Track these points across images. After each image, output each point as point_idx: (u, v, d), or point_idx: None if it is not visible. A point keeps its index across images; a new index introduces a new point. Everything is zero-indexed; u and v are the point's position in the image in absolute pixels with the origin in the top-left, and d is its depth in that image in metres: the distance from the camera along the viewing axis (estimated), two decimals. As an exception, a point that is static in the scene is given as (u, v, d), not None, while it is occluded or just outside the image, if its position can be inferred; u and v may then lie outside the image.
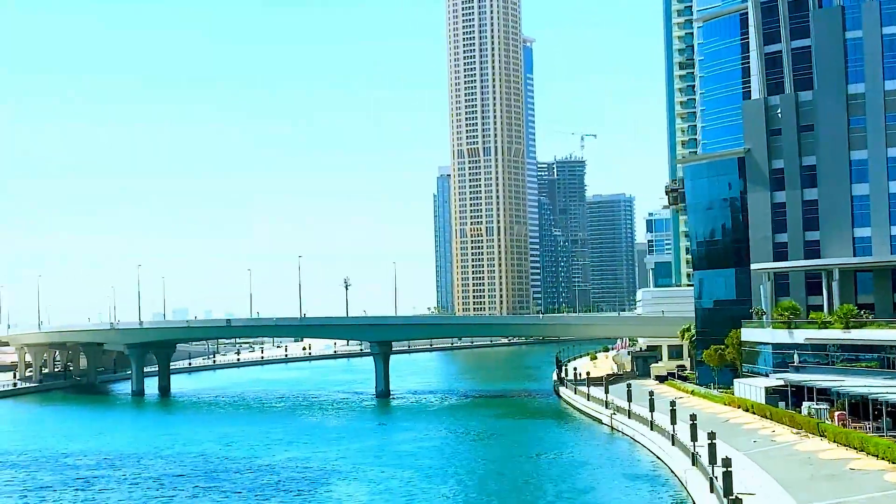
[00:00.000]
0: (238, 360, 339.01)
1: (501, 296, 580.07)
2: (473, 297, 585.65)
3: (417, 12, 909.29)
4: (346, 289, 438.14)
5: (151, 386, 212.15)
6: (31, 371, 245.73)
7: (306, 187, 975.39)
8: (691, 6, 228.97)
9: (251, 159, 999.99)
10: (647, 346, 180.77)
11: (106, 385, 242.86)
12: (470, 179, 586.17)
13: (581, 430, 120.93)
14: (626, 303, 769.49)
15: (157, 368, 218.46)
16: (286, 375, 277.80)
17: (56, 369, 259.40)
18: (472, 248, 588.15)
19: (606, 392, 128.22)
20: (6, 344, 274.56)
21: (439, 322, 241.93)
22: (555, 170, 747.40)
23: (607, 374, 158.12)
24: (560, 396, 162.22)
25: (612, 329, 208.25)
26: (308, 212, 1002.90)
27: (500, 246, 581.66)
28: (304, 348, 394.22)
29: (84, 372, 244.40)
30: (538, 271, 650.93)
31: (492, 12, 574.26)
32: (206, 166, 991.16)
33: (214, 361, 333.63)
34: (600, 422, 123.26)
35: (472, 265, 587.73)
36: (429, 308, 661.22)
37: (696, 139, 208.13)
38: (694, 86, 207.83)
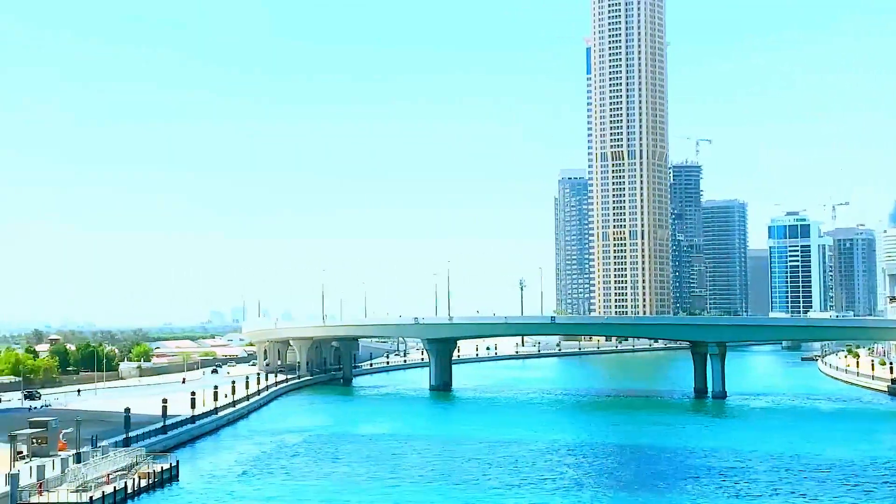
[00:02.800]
0: (421, 360, 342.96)
1: (644, 298, 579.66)
2: (616, 299, 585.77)
3: (560, 18, 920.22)
4: (522, 290, 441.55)
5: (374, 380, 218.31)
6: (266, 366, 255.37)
7: (428, 188, 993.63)
8: None
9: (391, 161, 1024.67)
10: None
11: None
12: (613, 183, 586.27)
13: None
14: (739, 309, 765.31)
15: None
16: (514, 374, 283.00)
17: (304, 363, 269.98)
18: (614, 251, 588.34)
19: None
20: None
21: (782, 324, 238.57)
22: (671, 174, 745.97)
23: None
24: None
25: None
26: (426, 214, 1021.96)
27: (643, 249, 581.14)
28: (487, 348, 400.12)
29: (328, 366, 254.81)
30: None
31: (639, 15, 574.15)
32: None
33: (404, 360, 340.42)
34: None
35: (615, 268, 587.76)
36: (555, 311, 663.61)
37: None
38: None
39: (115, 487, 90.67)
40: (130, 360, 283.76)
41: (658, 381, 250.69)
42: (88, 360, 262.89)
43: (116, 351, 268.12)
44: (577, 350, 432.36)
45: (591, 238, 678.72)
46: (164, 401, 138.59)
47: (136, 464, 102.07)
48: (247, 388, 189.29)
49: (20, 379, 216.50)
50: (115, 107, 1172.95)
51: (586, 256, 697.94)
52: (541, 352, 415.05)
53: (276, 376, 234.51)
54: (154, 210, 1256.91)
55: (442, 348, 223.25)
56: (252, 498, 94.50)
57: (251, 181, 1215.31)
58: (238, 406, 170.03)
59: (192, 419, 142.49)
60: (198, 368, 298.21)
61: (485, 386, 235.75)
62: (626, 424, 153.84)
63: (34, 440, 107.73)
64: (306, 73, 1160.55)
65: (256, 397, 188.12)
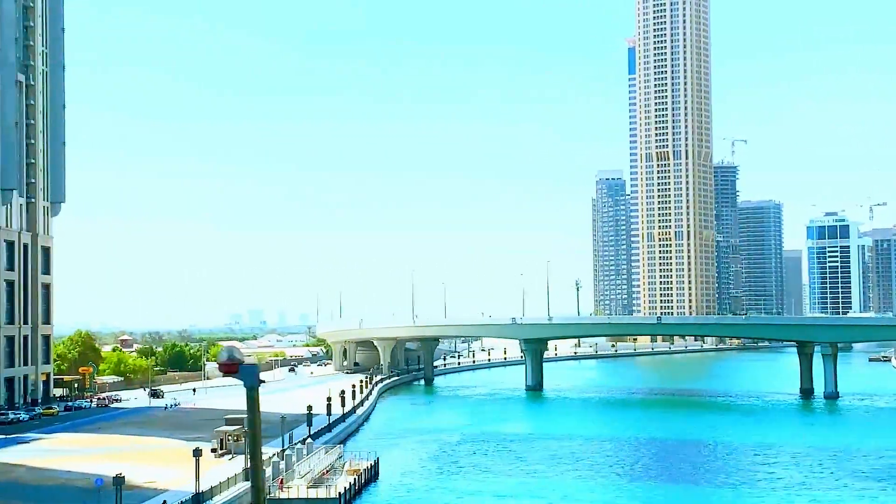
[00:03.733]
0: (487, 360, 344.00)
1: (690, 299, 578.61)
2: (662, 300, 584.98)
3: (598, 19, 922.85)
4: (578, 290, 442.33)
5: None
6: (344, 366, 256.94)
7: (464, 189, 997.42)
8: None
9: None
10: None
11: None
12: (658, 183, 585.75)
13: None
14: (773, 310, 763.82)
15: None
16: (587, 375, 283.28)
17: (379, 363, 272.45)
18: (659, 252, 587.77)
19: None
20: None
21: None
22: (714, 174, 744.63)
23: None
24: None
25: None
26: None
27: (688, 250, 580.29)
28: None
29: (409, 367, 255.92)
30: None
31: (684, 14, 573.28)
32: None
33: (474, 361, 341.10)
34: None
35: (660, 269, 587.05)
36: (592, 312, 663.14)
37: None
38: None
39: (348, 483, 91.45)
40: (208, 360, 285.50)
41: (747, 381, 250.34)
42: (175, 360, 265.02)
43: (202, 350, 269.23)
44: (632, 351, 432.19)
45: (629, 238, 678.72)
46: (329, 399, 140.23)
47: (339, 460, 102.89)
48: (362, 390, 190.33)
49: (121, 378, 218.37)
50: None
51: (622, 257, 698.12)
52: (597, 353, 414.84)
53: (371, 378, 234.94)
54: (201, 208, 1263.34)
55: (537, 348, 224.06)
56: (466, 492, 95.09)
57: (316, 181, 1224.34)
58: (365, 405, 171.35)
59: (343, 418, 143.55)
60: (272, 369, 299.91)
61: (575, 387, 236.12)
62: (761, 425, 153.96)
63: (231, 437, 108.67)
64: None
65: (371, 398, 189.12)
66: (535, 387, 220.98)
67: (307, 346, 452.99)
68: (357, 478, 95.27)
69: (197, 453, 77.88)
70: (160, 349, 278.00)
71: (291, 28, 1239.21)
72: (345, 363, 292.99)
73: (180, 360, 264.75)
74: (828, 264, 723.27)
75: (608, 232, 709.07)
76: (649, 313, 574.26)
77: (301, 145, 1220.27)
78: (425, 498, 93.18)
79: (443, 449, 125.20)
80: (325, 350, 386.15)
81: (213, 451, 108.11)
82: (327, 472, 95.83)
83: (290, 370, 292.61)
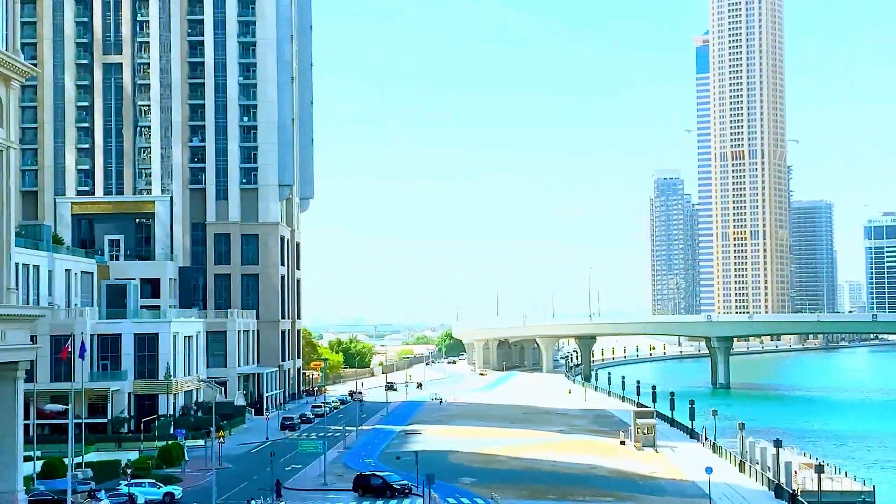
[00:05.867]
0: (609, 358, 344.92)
1: (766, 297, 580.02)
2: (736, 299, 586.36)
3: (661, 17, 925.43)
4: (677, 289, 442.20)
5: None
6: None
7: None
8: None
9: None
10: None
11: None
12: (733, 182, 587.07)
13: None
14: (826, 309, 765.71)
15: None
16: (756, 373, 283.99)
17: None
18: (734, 250, 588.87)
19: None
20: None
21: None
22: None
23: None
24: None
25: None
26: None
27: (764, 249, 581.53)
28: (652, 348, 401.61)
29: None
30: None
31: (759, 12, 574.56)
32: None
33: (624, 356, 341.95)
34: None
35: (735, 268, 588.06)
36: (654, 311, 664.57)
37: None
38: None
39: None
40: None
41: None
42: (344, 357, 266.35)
43: (374, 347, 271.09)
44: (745, 350, 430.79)
45: (692, 238, 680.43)
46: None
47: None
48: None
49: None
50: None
51: (677, 256, 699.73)
52: (700, 352, 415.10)
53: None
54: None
55: (728, 346, 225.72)
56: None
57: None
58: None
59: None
60: (409, 367, 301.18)
61: (761, 384, 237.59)
62: None
63: (642, 430, 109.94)
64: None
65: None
66: (726, 385, 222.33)
67: (406, 343, 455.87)
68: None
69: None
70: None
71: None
72: (480, 362, 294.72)
73: (347, 357, 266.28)
74: (886, 264, 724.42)
75: (666, 231, 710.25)
76: (723, 312, 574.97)
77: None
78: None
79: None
80: (439, 349, 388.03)
81: (622, 443, 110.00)
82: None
83: (426, 365, 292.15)
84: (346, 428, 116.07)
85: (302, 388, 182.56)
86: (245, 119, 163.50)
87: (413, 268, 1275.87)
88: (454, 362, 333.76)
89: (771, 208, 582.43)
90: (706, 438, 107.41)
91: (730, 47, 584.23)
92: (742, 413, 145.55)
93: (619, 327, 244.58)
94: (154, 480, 74.85)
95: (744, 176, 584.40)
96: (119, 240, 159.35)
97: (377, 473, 77.95)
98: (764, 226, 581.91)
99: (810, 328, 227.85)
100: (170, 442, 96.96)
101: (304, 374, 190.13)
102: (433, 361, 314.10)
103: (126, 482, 71.99)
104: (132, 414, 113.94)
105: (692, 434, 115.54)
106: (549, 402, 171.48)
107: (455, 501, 73.77)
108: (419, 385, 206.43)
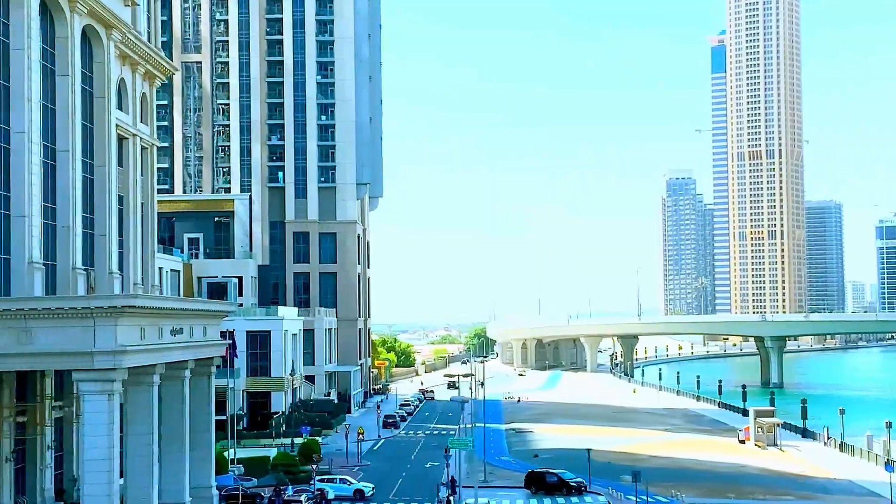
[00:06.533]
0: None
1: (784, 297, 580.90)
2: (753, 299, 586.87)
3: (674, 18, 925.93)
4: (705, 290, 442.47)
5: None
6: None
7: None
8: None
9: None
10: None
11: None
12: (750, 182, 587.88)
13: None
14: (837, 309, 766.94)
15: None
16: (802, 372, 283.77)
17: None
18: (751, 250, 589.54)
19: None
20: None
21: None
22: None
23: None
24: None
25: None
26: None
27: (782, 249, 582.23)
28: (680, 347, 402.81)
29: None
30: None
31: (777, 12, 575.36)
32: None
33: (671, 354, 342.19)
34: None
35: (753, 268, 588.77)
36: (664, 310, 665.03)
37: None
38: None
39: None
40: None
41: None
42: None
43: (413, 347, 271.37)
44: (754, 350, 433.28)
45: (705, 237, 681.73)
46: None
47: None
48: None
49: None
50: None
51: (688, 255, 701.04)
52: (726, 351, 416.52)
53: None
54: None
55: (782, 345, 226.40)
56: None
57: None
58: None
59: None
60: (446, 366, 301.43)
61: (811, 383, 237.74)
62: None
63: (764, 428, 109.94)
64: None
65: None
66: (779, 384, 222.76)
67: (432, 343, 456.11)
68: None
69: None
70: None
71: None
72: (517, 361, 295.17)
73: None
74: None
75: (679, 231, 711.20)
76: (740, 311, 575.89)
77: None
78: None
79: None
80: (468, 348, 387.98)
81: (742, 442, 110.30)
82: None
83: (463, 363, 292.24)
84: (459, 426, 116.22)
85: (370, 386, 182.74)
86: (323, 118, 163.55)
87: (416, 267, 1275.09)
88: (483, 362, 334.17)
89: (788, 208, 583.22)
90: (828, 437, 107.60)
91: (747, 47, 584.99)
92: (816, 412, 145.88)
93: (670, 326, 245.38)
94: (344, 477, 74.85)
95: (761, 175, 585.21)
96: (198, 238, 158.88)
97: (551, 471, 77.86)
98: (782, 225, 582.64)
99: (866, 327, 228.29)
100: (307, 438, 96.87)
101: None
102: (467, 361, 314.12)
103: (315, 479, 72.28)
104: (245, 411, 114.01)
105: (804, 433, 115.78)
106: (620, 400, 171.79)
107: (641, 499, 73.15)
108: (482, 384, 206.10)
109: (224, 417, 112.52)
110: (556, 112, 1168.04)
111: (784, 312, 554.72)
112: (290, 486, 71.46)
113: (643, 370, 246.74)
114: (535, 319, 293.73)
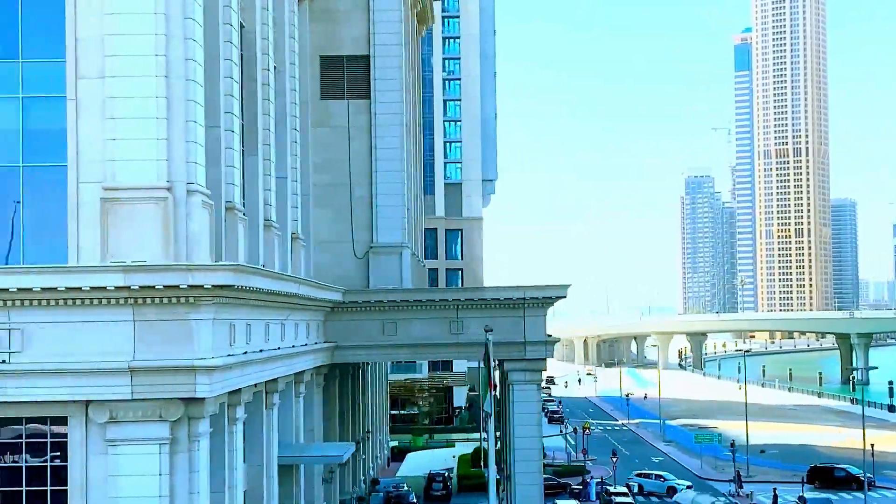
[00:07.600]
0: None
1: (811, 295, 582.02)
2: (781, 297, 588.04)
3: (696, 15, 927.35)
4: (742, 287, 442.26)
5: None
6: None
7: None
8: None
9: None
10: None
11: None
12: (777, 180, 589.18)
13: None
14: (851, 307, 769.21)
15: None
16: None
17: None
18: (778, 249, 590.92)
19: None
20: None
21: None
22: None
23: None
24: None
25: None
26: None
27: (809, 247, 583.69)
28: (724, 345, 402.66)
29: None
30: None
31: (804, 9, 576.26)
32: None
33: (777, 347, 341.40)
34: None
35: (780, 266, 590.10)
36: (683, 310, 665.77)
37: None
38: None
39: None
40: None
41: None
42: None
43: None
44: (792, 348, 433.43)
45: (726, 236, 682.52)
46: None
47: None
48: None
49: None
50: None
51: (705, 253, 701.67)
52: (782, 348, 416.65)
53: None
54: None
55: (868, 342, 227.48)
56: None
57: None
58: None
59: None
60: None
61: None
62: None
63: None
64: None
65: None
66: (864, 381, 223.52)
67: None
68: None
69: None
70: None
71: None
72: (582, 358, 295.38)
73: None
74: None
75: (698, 229, 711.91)
76: (767, 310, 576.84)
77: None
78: None
79: None
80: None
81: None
82: None
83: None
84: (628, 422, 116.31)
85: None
86: (449, 114, 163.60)
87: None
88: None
89: (815, 206, 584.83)
90: None
91: (774, 44, 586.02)
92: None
93: (750, 323, 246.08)
94: (659, 473, 75.17)
95: (788, 174, 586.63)
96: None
97: (839, 465, 78.20)
98: (809, 223, 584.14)
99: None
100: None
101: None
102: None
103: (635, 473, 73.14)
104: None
105: None
106: (733, 396, 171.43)
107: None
108: (579, 381, 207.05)
109: (406, 412, 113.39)
110: (576, 106, 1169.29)
111: (811, 310, 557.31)
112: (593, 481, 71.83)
113: (719, 364, 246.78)
114: (603, 317, 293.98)
